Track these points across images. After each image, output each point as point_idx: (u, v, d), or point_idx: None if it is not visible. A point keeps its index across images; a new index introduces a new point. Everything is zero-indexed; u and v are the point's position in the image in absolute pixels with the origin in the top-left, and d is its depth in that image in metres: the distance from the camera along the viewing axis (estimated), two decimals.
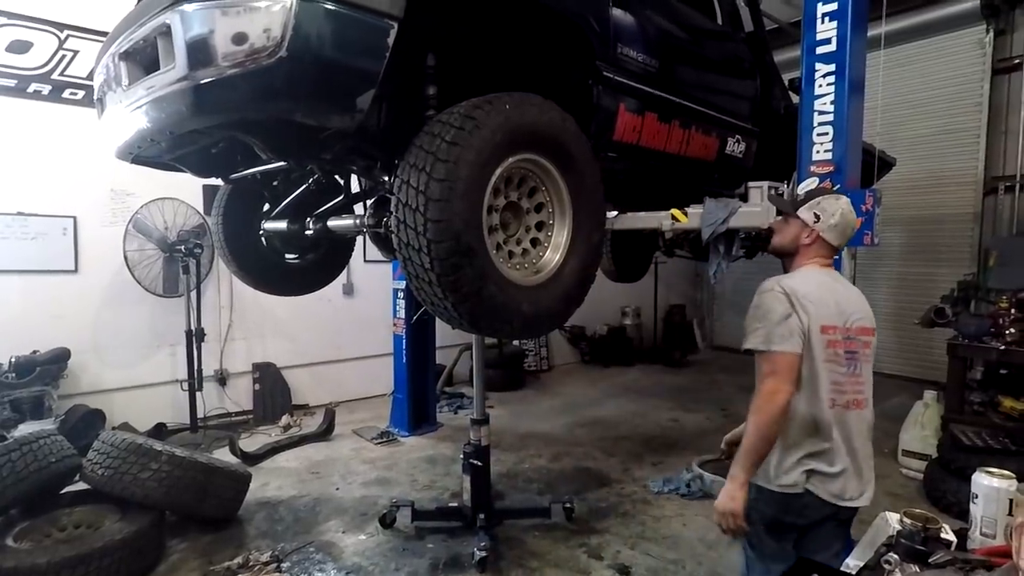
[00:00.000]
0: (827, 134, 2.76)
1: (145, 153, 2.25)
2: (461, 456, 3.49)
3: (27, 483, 2.77)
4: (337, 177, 2.94)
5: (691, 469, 4.10)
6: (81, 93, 4.59)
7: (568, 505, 3.52)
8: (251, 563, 2.93)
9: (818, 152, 2.79)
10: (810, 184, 2.79)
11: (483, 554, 2.98)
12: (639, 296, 8.47)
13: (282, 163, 2.25)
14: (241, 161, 2.52)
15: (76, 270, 4.66)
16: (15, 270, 4.41)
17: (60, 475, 2.95)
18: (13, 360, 4.17)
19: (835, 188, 2.68)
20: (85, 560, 2.57)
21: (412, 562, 3.07)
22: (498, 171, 1.90)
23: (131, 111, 1.89)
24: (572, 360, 8.32)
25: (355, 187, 3.00)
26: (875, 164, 3.58)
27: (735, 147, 3.52)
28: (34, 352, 4.32)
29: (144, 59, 1.87)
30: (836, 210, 1.88)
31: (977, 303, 5.14)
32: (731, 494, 1.70)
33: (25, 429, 3.61)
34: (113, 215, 4.75)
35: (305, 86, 1.64)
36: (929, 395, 4.49)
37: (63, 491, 3.09)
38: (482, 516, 3.28)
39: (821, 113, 2.77)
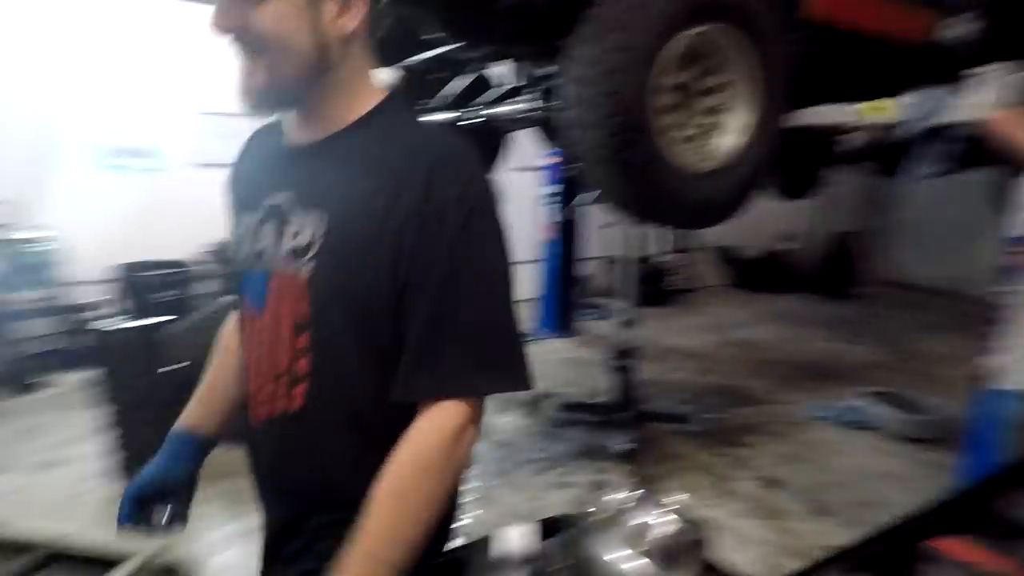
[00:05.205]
0: None
1: None
2: (604, 358, 3.54)
3: None
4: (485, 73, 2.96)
5: (855, 399, 3.80)
6: None
7: (712, 416, 3.48)
8: None
9: None
10: None
11: (632, 445, 3.08)
12: (800, 219, 7.74)
13: (447, 47, 2.30)
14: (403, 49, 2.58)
15: None
16: None
17: None
18: None
19: None
20: None
21: (556, 447, 3.25)
22: (675, 43, 1.78)
23: None
24: (719, 282, 7.93)
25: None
26: None
27: (953, 28, 2.95)
28: None
29: None
30: None
31: None
32: None
33: None
34: None
35: None
36: None
37: None
38: (625, 414, 3.36)
39: None
